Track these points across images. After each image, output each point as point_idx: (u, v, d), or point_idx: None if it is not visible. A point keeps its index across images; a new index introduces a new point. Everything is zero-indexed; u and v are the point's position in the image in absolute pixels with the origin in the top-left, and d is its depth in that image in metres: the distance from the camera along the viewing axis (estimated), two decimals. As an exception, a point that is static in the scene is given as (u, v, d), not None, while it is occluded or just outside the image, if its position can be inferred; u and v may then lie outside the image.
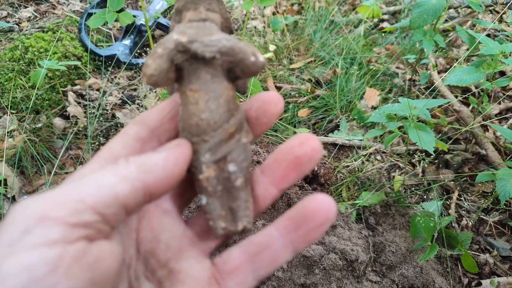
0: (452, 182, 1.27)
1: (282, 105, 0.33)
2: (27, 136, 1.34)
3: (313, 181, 1.21)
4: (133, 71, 1.69)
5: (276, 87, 1.63)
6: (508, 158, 1.26)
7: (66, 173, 1.33)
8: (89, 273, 0.24)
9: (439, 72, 1.72)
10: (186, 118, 0.32)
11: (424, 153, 1.28)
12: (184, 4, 0.33)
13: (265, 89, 1.60)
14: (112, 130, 1.46)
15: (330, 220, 0.29)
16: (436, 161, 1.35)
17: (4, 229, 0.23)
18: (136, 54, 1.76)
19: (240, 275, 0.31)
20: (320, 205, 0.29)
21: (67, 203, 0.24)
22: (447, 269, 1.02)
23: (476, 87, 1.61)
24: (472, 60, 1.24)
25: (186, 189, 0.34)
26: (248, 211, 0.32)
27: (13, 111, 1.46)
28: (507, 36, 1.71)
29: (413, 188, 1.27)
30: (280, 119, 1.45)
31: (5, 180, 1.25)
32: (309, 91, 1.58)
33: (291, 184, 0.32)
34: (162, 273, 0.30)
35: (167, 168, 0.28)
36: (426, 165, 1.31)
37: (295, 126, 1.45)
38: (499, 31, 1.84)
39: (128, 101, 1.53)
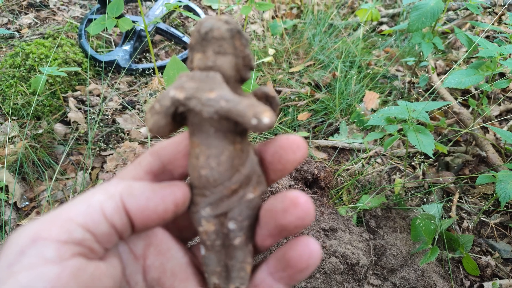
0: (453, 185, 1.27)
1: (304, 152, 0.29)
2: (28, 142, 1.34)
3: (313, 185, 1.21)
4: (133, 76, 1.70)
5: (275, 90, 1.63)
6: (509, 160, 1.26)
7: (67, 178, 1.33)
8: None
9: (438, 75, 1.72)
10: (189, 168, 0.30)
11: (424, 156, 1.28)
12: (194, 44, 0.30)
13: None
14: (113, 136, 1.47)
15: (314, 265, 0.29)
16: (437, 163, 1.35)
17: (2, 252, 0.24)
18: (136, 59, 1.77)
19: None
20: (302, 252, 0.28)
21: (57, 223, 0.25)
22: (449, 272, 1.02)
23: (476, 89, 1.61)
24: (472, 62, 1.24)
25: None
26: (242, 273, 0.31)
27: (14, 118, 1.46)
28: (506, 37, 1.71)
29: (413, 191, 1.27)
30: (280, 123, 1.46)
31: (6, 186, 1.26)
32: (308, 94, 1.58)
33: (280, 239, 0.31)
34: None
35: (151, 200, 0.28)
36: (426, 168, 1.31)
37: (295, 130, 1.45)
38: (498, 33, 1.84)
39: (129, 107, 1.54)
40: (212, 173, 0.29)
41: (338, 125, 1.48)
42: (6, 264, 0.23)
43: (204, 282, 0.32)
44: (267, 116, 0.26)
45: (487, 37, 1.91)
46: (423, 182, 1.28)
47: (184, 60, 1.71)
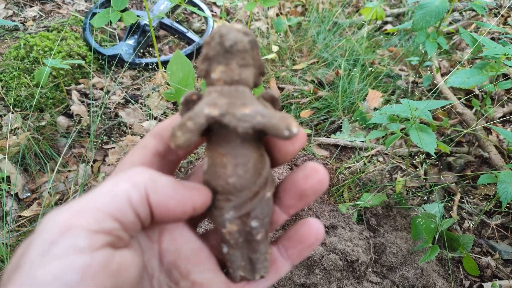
0: (454, 185, 1.27)
1: (303, 142, 0.32)
2: (30, 134, 1.34)
3: (314, 182, 1.21)
4: (136, 70, 1.70)
5: (279, 88, 1.63)
6: (511, 161, 1.25)
7: (69, 171, 1.33)
8: (112, 281, 0.25)
9: (442, 75, 1.72)
10: (212, 176, 0.31)
11: (426, 155, 1.28)
12: (215, 55, 0.30)
13: (267, 89, 1.60)
14: (115, 129, 1.47)
15: (319, 240, 0.34)
16: (439, 163, 1.35)
17: (34, 240, 0.25)
18: (139, 53, 1.77)
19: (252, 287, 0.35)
20: (311, 229, 0.34)
21: (87, 212, 0.25)
22: (448, 272, 1.02)
23: (480, 89, 1.60)
24: (476, 63, 1.23)
25: None
26: (266, 263, 0.34)
27: (17, 109, 1.47)
28: (511, 39, 1.70)
29: (415, 190, 1.26)
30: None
31: (8, 177, 1.26)
32: (311, 92, 1.58)
33: (300, 209, 0.35)
34: (185, 285, 0.32)
35: (172, 199, 0.29)
36: (428, 167, 1.30)
37: (297, 127, 1.45)
38: (502, 34, 1.83)
39: (131, 100, 1.54)
40: (240, 180, 0.31)
41: (341, 123, 1.47)
42: (38, 253, 0.24)
43: (217, 266, 0.34)
44: (295, 127, 0.29)
45: (492, 38, 1.90)
46: (424, 181, 1.28)
47: (188, 56, 1.71)
